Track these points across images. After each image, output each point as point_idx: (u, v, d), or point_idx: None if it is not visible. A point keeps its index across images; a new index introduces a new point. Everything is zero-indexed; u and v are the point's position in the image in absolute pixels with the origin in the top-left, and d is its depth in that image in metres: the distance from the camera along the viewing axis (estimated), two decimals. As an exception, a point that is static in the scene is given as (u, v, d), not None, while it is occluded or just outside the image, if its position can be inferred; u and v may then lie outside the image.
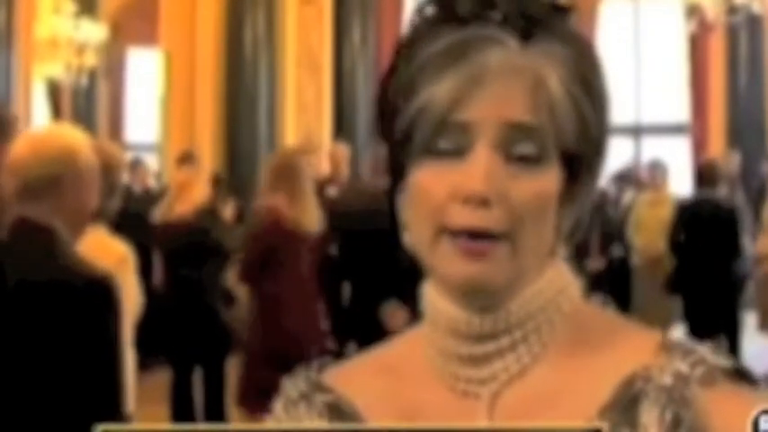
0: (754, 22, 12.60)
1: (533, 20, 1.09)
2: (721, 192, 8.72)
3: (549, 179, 1.09)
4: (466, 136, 1.07)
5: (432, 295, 1.14)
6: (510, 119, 1.06)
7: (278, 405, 1.20)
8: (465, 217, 1.07)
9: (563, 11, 1.12)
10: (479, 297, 1.10)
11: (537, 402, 1.10)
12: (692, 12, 11.46)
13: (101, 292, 2.67)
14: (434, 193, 1.08)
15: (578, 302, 1.15)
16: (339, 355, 8.73)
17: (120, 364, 2.69)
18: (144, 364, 4.56)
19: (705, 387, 1.07)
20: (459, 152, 1.07)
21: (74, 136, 3.03)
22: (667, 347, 1.10)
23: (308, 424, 1.17)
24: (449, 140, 1.07)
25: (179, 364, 7.04)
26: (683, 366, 1.08)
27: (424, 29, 1.10)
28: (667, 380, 1.08)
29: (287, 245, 5.78)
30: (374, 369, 1.18)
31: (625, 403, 1.08)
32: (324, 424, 1.16)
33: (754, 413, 1.04)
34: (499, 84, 1.07)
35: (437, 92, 1.07)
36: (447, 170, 1.08)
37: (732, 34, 13.34)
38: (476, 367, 1.12)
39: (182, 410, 6.86)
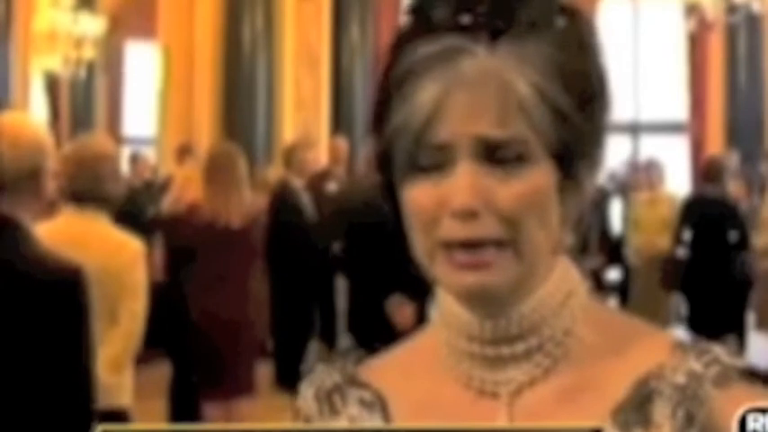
0: (753, 21, 12.60)
1: (503, 17, 1.07)
2: (726, 188, 8.71)
3: (539, 177, 1.07)
4: (444, 153, 1.06)
5: (444, 297, 1.14)
6: (481, 134, 1.05)
7: (308, 392, 1.19)
8: (457, 230, 1.06)
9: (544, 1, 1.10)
10: (485, 303, 1.10)
11: (556, 402, 1.10)
12: (692, 11, 11.47)
13: (72, 283, 2.61)
14: (425, 209, 1.08)
15: (589, 303, 1.15)
16: (330, 349, 8.73)
17: (93, 359, 2.64)
18: (142, 359, 4.55)
19: (719, 387, 1.07)
20: (441, 166, 1.07)
21: (40, 126, 3.01)
22: (682, 347, 1.10)
23: (339, 418, 1.16)
24: (428, 158, 1.07)
25: (179, 359, 7.03)
26: (697, 365, 1.08)
27: (402, 42, 1.09)
28: (681, 378, 1.07)
29: (199, 238, 5.86)
30: (404, 365, 1.18)
31: (638, 402, 1.08)
32: (357, 417, 1.16)
33: (741, 411, 1.05)
34: (469, 97, 1.05)
35: (409, 112, 1.06)
36: (433, 185, 1.07)
37: (731, 33, 13.34)
38: (491, 370, 1.12)
39: (181, 406, 6.84)
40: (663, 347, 1.11)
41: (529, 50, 1.07)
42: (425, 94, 1.06)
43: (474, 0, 1.07)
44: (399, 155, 1.08)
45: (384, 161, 1.11)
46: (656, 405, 1.07)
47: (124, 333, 4.16)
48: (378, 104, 1.10)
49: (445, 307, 1.14)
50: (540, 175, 1.07)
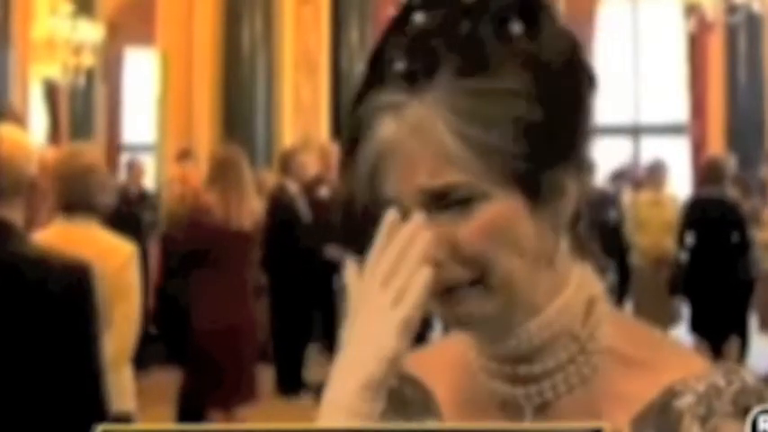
0: (753, 21, 12.58)
1: (433, 65, 1.06)
2: (727, 190, 8.70)
3: (494, 210, 1.07)
4: (397, 206, 1.08)
5: None
6: (420, 187, 1.07)
7: None
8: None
9: (468, 16, 1.07)
10: (480, 329, 1.11)
11: (584, 416, 1.09)
12: (692, 11, 11.44)
13: (80, 282, 2.64)
14: None
15: (615, 314, 1.15)
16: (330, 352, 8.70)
17: (101, 360, 2.65)
18: (144, 365, 4.54)
19: (734, 404, 1.07)
20: (403, 217, 1.08)
21: (24, 135, 3.08)
22: (712, 363, 1.11)
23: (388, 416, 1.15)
24: (387, 210, 1.08)
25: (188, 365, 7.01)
26: (720, 380, 1.08)
27: (357, 95, 1.11)
28: (701, 388, 1.07)
29: (213, 241, 5.85)
30: (444, 362, 1.20)
31: (661, 411, 1.08)
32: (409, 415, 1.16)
33: (753, 412, 1.05)
34: (404, 151, 1.07)
35: (355, 174, 1.09)
36: None
37: (731, 34, 13.33)
38: (513, 386, 1.12)
39: (187, 412, 6.81)
40: (692, 362, 1.11)
41: (441, 90, 1.06)
42: (368, 150, 1.08)
43: (413, 40, 1.07)
44: (360, 209, 1.10)
45: (350, 212, 1.13)
46: (679, 416, 1.07)
47: (117, 335, 4.15)
48: (341, 159, 1.13)
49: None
50: (497, 208, 1.06)
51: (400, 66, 1.07)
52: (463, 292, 1.07)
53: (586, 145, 1.11)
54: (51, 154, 6.62)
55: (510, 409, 1.12)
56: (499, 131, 1.06)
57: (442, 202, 1.06)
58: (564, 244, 1.11)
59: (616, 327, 1.13)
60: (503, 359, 1.11)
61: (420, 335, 1.18)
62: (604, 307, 1.13)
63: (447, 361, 1.19)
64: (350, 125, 1.10)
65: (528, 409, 1.11)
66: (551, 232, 1.09)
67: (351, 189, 1.11)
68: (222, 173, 6.08)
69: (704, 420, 1.06)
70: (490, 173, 1.05)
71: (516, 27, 1.07)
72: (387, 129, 1.07)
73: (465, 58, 1.06)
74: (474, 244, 1.06)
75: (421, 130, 1.06)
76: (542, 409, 1.11)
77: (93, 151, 4.63)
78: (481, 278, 1.07)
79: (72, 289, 2.62)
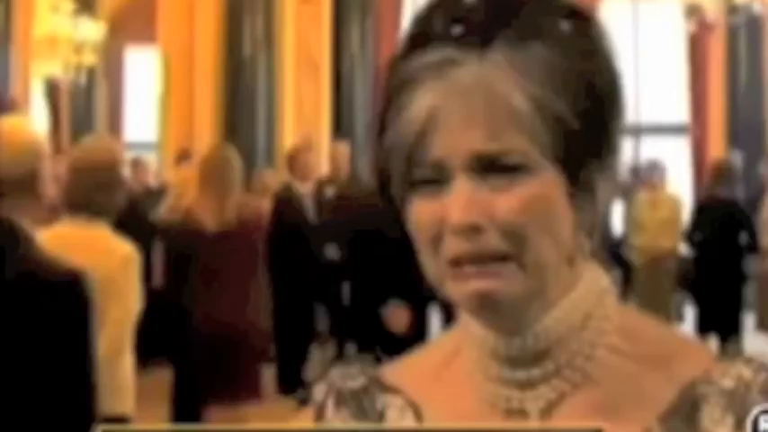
0: (753, 22, 12.60)
1: (495, 24, 1.04)
2: (735, 190, 8.73)
3: (540, 186, 1.04)
4: (439, 168, 1.04)
5: (467, 320, 1.11)
6: (474, 150, 1.03)
7: (329, 397, 1.16)
8: (459, 246, 1.04)
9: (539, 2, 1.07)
10: (498, 317, 1.07)
11: (593, 416, 1.07)
12: (692, 12, 11.46)
13: (74, 287, 2.59)
14: (426, 227, 1.05)
15: (623, 311, 1.12)
16: (339, 356, 8.73)
17: (95, 363, 2.63)
18: (143, 365, 4.53)
19: (765, 395, 1.05)
20: (438, 182, 1.04)
21: (36, 130, 3.00)
22: (729, 353, 1.08)
23: (367, 420, 1.14)
24: (424, 174, 1.05)
25: (179, 366, 7.02)
26: (746, 371, 1.06)
27: (398, 54, 1.07)
28: (729, 383, 1.05)
29: (196, 243, 5.87)
30: (425, 373, 1.15)
31: (686, 408, 1.05)
32: (391, 420, 1.13)
33: (754, 412, 1.04)
34: (459, 110, 1.03)
35: (401, 128, 1.04)
36: (432, 202, 1.05)
37: (732, 34, 13.33)
38: (519, 389, 1.09)
39: (183, 412, 6.82)
40: (705, 357, 1.09)
41: (524, 58, 1.04)
42: (416, 108, 1.03)
43: (469, 9, 1.05)
44: (395, 172, 1.06)
45: (383, 179, 1.08)
46: (704, 411, 1.05)
47: (106, 338, 4.11)
48: (377, 118, 1.08)
49: (468, 327, 1.11)
50: (542, 184, 1.04)
51: (457, 29, 1.04)
52: (497, 266, 1.03)
53: (618, 153, 1.09)
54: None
55: (515, 416, 1.09)
56: (573, 103, 1.04)
57: (492, 167, 1.03)
58: (586, 246, 1.09)
59: (624, 325, 1.10)
60: (513, 359, 1.08)
61: (419, 333, 1.19)
62: (613, 301, 1.11)
63: (434, 370, 1.15)
64: (391, 85, 1.06)
65: (534, 414, 1.08)
66: (580, 229, 1.07)
67: (385, 157, 1.06)
68: (203, 173, 6.11)
69: (739, 417, 1.04)
70: (549, 146, 1.03)
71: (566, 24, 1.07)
72: (442, 87, 1.03)
73: (528, 23, 1.04)
74: (515, 215, 1.03)
75: (484, 89, 1.03)
76: (548, 412, 1.08)
77: (108, 147, 4.49)
78: (515, 255, 1.03)
79: (66, 298, 2.57)
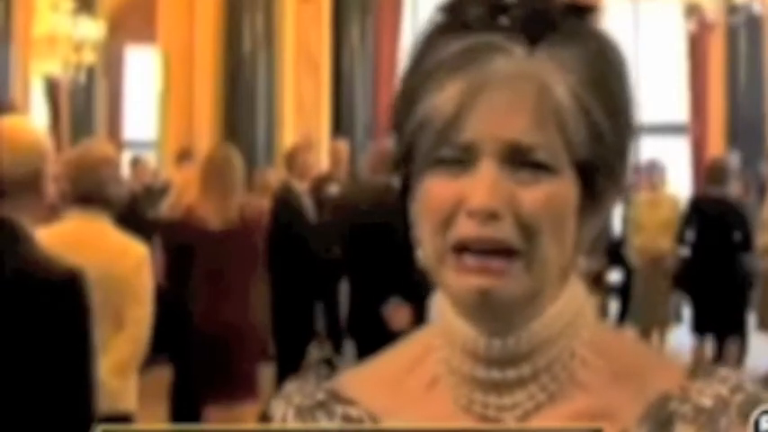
0: (753, 22, 12.60)
1: (543, 23, 1.04)
2: (730, 189, 8.72)
3: (562, 187, 1.04)
4: (468, 151, 1.03)
5: (446, 311, 1.09)
6: (510, 139, 1.02)
7: (288, 411, 1.15)
8: (472, 229, 1.03)
9: (579, 9, 1.07)
10: (491, 316, 1.05)
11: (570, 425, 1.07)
12: (692, 11, 11.46)
13: (72, 287, 2.59)
14: (441, 205, 1.04)
15: (598, 326, 1.12)
16: (337, 354, 8.73)
17: (93, 362, 2.62)
18: (143, 364, 4.54)
19: (743, 416, 1.04)
20: (463, 162, 1.03)
21: (39, 129, 3.01)
22: (702, 371, 1.08)
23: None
24: (452, 152, 1.04)
25: (180, 363, 7.02)
26: (723, 390, 1.05)
27: (432, 37, 1.06)
28: (707, 401, 1.05)
29: (196, 241, 5.88)
30: (394, 382, 1.13)
31: (659, 422, 1.05)
32: None
33: (755, 413, 1.04)
34: (501, 96, 1.02)
35: (437, 105, 1.03)
36: (453, 181, 1.04)
37: (732, 34, 13.34)
38: (496, 394, 1.07)
39: (182, 410, 6.83)
40: (677, 373, 1.08)
41: (567, 58, 1.04)
42: (455, 88, 1.02)
43: (511, 4, 1.05)
44: (421, 149, 1.05)
45: (404, 156, 1.07)
46: (678, 428, 1.04)
47: (130, 338, 4.15)
48: (400, 98, 1.07)
49: (448, 323, 1.09)
50: (564, 186, 1.04)
51: (504, 20, 1.04)
52: (501, 262, 1.02)
53: (626, 174, 1.10)
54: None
55: (489, 422, 1.07)
56: (603, 110, 1.05)
57: (521, 159, 1.02)
58: (581, 263, 1.09)
59: (598, 340, 1.10)
60: (495, 361, 1.06)
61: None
62: (588, 320, 1.10)
63: (396, 377, 1.13)
64: (421, 68, 1.05)
65: (509, 422, 1.06)
66: (581, 244, 1.07)
67: (413, 130, 1.05)
68: (206, 173, 6.13)
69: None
70: (579, 148, 1.04)
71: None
72: (484, 71, 1.02)
73: (575, 29, 1.06)
74: (538, 209, 1.02)
75: (531, 80, 1.02)
76: (523, 422, 1.06)
77: (106, 145, 4.62)
78: (524, 253, 1.02)
79: (64, 297, 2.57)
